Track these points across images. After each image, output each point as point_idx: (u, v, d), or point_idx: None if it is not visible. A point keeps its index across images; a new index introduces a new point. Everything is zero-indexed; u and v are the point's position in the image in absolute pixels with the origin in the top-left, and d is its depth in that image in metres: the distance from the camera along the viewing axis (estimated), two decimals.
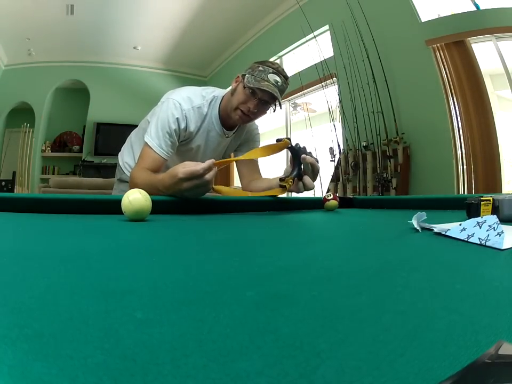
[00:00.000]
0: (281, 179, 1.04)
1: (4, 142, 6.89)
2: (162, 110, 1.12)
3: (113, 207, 0.79)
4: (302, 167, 1.06)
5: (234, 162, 1.34)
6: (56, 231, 0.60)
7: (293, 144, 1.04)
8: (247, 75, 1.10)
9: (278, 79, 1.08)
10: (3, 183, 5.14)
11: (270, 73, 1.08)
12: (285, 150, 1.10)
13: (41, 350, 0.15)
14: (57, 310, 0.20)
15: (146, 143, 1.11)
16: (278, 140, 1.03)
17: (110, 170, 6.00)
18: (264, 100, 1.10)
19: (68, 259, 0.35)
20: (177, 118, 1.10)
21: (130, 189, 1.07)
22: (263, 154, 1.10)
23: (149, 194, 1.00)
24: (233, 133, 1.27)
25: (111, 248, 0.44)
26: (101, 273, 0.30)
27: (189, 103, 1.13)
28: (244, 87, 1.09)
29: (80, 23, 5.39)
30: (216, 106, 1.18)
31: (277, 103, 1.12)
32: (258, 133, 1.36)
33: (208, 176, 0.86)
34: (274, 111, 1.16)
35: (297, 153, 1.03)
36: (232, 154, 1.36)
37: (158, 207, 0.81)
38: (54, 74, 6.72)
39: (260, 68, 1.09)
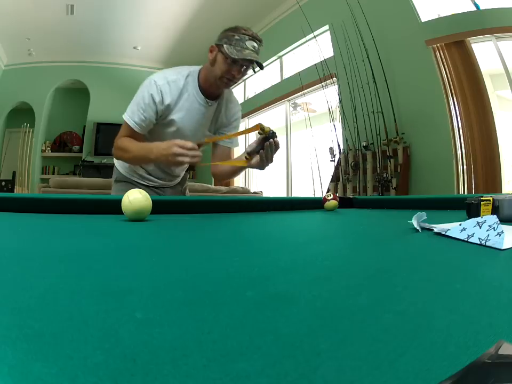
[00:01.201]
0: (249, 153, 1.15)
1: (4, 142, 6.89)
2: (139, 90, 1.22)
3: (113, 207, 0.79)
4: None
5: (211, 145, 1.43)
6: (56, 231, 0.60)
7: (268, 132, 1.13)
8: (225, 45, 1.14)
9: (255, 44, 1.15)
10: (3, 183, 5.14)
11: (247, 40, 1.14)
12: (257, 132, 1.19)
13: (41, 350, 0.15)
14: (57, 310, 0.20)
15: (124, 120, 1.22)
16: (261, 129, 1.11)
17: (110, 170, 5.92)
18: (246, 65, 1.18)
19: (68, 259, 0.35)
20: (151, 94, 1.18)
21: (121, 150, 1.21)
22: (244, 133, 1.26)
23: (133, 157, 1.21)
24: (217, 102, 1.33)
25: (111, 248, 0.44)
26: (101, 273, 0.30)
27: (164, 78, 1.21)
28: (226, 58, 1.15)
29: (80, 23, 5.39)
30: (195, 78, 1.25)
31: (256, 64, 1.20)
32: (240, 117, 1.45)
33: (196, 152, 1.07)
34: (255, 72, 1.24)
35: (267, 139, 1.12)
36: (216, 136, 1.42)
37: (158, 207, 0.81)
38: (54, 74, 6.71)
39: (236, 37, 1.14)
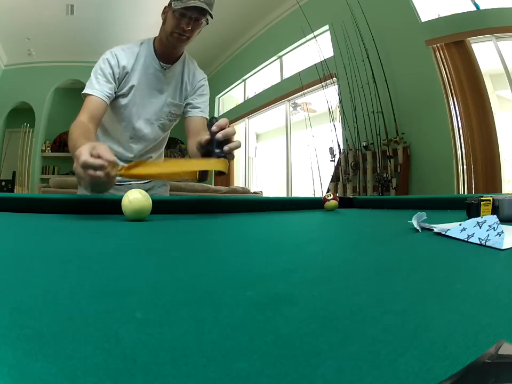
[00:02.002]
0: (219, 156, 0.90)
1: (4, 142, 6.89)
2: (95, 65, 1.23)
3: (113, 207, 0.79)
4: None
5: (183, 121, 1.39)
6: (56, 231, 0.60)
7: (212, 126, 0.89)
8: (172, 3, 1.17)
9: None
10: (3, 183, 5.14)
11: None
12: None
13: (41, 350, 0.15)
14: (57, 310, 0.20)
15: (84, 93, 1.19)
16: (211, 119, 0.89)
17: None
18: (195, 17, 1.18)
19: (68, 259, 0.35)
20: (106, 59, 1.21)
21: (70, 134, 1.07)
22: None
23: (71, 148, 0.98)
24: (175, 68, 1.33)
25: (111, 248, 0.44)
26: (101, 273, 0.30)
27: (118, 47, 1.25)
28: (173, 12, 1.17)
29: (80, 23, 5.39)
30: (150, 45, 1.28)
31: (208, 16, 1.20)
32: (204, 86, 1.41)
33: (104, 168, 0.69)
34: (207, 23, 1.24)
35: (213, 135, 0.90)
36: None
37: (158, 207, 0.81)
38: (54, 74, 6.72)
39: None
